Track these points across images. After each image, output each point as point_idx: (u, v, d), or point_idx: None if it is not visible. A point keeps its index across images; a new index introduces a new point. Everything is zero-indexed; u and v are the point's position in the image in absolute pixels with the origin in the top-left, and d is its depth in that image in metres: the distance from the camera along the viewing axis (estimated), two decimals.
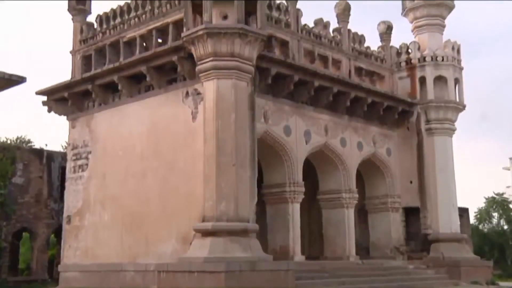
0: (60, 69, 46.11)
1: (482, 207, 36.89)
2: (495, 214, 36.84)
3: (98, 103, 17.20)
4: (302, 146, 16.61)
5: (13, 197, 19.99)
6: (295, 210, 16.25)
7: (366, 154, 18.76)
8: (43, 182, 20.92)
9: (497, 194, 36.59)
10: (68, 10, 18.21)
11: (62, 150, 23.80)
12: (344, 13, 18.66)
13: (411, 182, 19.83)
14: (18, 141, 27.18)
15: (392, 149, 19.70)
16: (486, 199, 36.81)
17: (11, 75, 8.19)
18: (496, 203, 36.40)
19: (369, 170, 19.42)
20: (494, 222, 36.86)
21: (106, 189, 16.50)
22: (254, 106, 14.46)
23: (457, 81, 20.34)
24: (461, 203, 21.83)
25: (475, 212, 36.38)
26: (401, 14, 21.30)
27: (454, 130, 20.36)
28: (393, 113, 19.41)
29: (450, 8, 20.69)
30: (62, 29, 46.42)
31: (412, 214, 19.72)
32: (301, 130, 16.64)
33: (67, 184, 17.86)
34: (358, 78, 18.93)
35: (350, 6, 18.78)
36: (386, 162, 19.44)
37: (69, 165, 17.78)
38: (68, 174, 17.79)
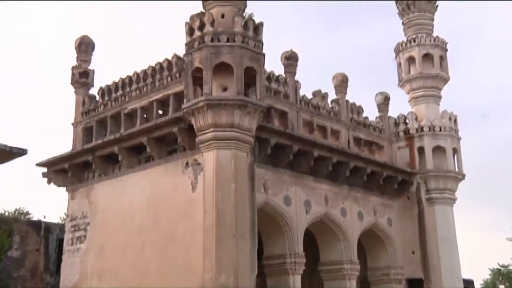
0: (61, 141, 46.43)
1: (487, 279, 36.12)
2: (502, 287, 36.03)
3: (98, 174, 17.22)
4: (302, 216, 16.44)
5: (8, 271, 19.52)
6: (296, 282, 15.87)
7: (367, 224, 18.57)
8: (39, 255, 20.50)
9: (502, 266, 35.93)
10: (71, 83, 18.56)
11: (60, 222, 23.55)
12: (342, 84, 19.03)
13: (413, 252, 19.54)
14: (16, 213, 26.95)
15: (393, 219, 19.51)
16: (491, 270, 36.10)
17: (12, 148, 8.22)
18: (501, 275, 35.66)
19: (371, 240, 19.15)
20: None
21: (104, 261, 16.21)
22: (254, 176, 14.45)
23: (455, 151, 20.47)
24: (465, 275, 21.40)
25: (480, 285, 35.59)
26: (398, 85, 21.73)
27: (454, 199, 20.28)
28: (393, 182, 19.39)
29: (446, 80, 21.15)
30: (64, 101, 47.29)
31: (415, 286, 19.27)
32: (301, 200, 16.52)
33: (64, 256, 17.58)
34: (357, 148, 19.05)
35: (347, 77, 19.17)
36: (387, 232, 19.21)
37: (67, 237, 17.57)
38: (66, 246, 17.54)
